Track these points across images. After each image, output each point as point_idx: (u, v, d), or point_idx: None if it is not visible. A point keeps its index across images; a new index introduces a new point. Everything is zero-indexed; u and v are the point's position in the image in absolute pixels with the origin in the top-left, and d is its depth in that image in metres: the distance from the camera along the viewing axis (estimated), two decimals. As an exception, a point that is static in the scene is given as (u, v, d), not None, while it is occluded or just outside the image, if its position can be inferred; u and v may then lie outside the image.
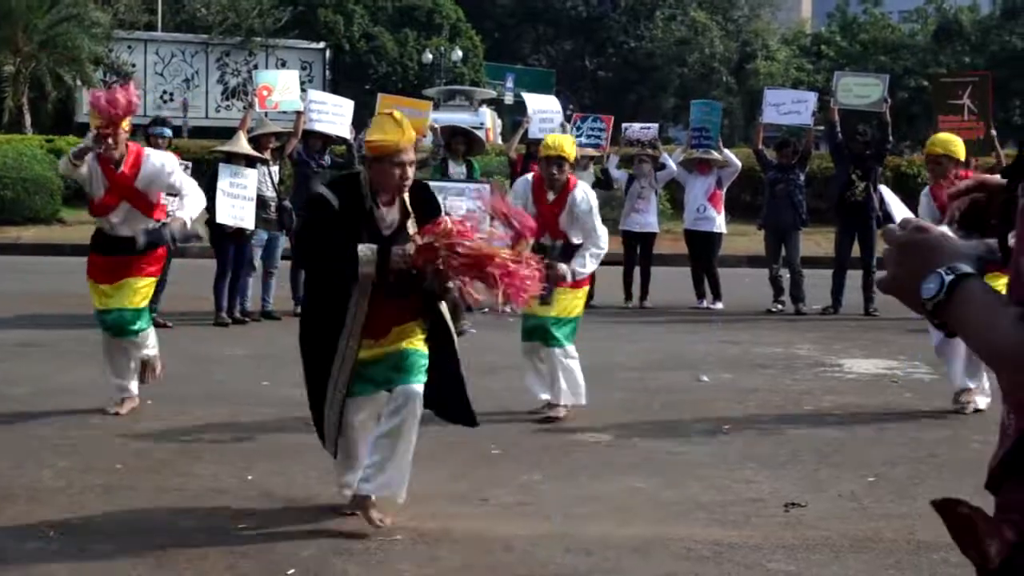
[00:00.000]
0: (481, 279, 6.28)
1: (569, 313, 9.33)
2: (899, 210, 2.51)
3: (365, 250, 6.20)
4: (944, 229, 2.16)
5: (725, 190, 17.20)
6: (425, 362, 6.54)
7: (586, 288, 9.77)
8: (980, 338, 1.93)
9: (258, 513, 6.70)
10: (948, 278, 2.00)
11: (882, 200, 7.40)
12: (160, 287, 13.96)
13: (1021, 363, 1.82)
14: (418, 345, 6.55)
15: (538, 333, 9.28)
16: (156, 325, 13.62)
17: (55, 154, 27.03)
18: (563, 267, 8.86)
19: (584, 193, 9.25)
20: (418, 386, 6.46)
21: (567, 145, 9.43)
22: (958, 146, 10.14)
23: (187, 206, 9.23)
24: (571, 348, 9.35)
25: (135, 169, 8.94)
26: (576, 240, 9.21)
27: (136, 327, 9.22)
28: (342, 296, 6.39)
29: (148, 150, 9.25)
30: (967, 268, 2.00)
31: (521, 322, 9.47)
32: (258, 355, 12.18)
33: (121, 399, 9.27)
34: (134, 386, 9.37)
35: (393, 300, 6.39)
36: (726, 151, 17.21)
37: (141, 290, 9.25)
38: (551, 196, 9.25)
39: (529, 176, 9.64)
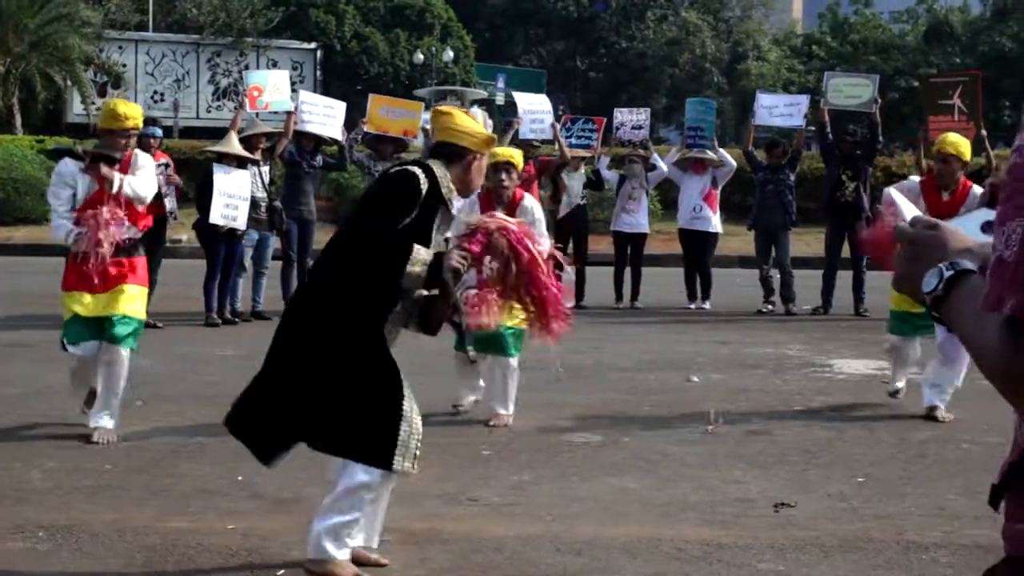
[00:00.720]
0: (521, 293, 5.90)
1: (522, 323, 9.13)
2: (908, 209, 2.51)
3: (422, 251, 5.50)
4: (954, 224, 2.17)
5: (720, 190, 17.22)
6: None
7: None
8: (969, 338, 1.93)
9: (248, 513, 6.69)
10: (947, 274, 2.00)
11: (888, 200, 7.40)
12: (150, 288, 13.97)
13: (1000, 370, 1.82)
14: None
15: (493, 343, 8.94)
16: (146, 325, 13.67)
17: (45, 154, 27.02)
18: None
19: (533, 203, 9.07)
20: None
21: (516, 154, 9.26)
22: (967, 148, 10.14)
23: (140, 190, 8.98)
24: (516, 360, 9.23)
25: (125, 172, 8.87)
26: None
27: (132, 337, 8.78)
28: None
29: (136, 152, 9.15)
30: (969, 265, 2.00)
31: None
32: (248, 355, 12.12)
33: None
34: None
35: None
36: (721, 151, 17.21)
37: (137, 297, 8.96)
38: (499, 210, 8.58)
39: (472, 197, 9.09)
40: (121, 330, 8.60)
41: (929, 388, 9.51)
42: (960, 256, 2.03)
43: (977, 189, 10.08)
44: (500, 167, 8.82)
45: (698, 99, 21.23)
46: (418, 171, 5.60)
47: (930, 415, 9.41)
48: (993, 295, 1.77)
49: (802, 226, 18.31)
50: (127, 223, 8.69)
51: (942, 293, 2.01)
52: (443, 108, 6.27)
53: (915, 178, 10.89)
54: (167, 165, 14.12)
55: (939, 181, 10.03)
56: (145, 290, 9.12)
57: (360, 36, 49.26)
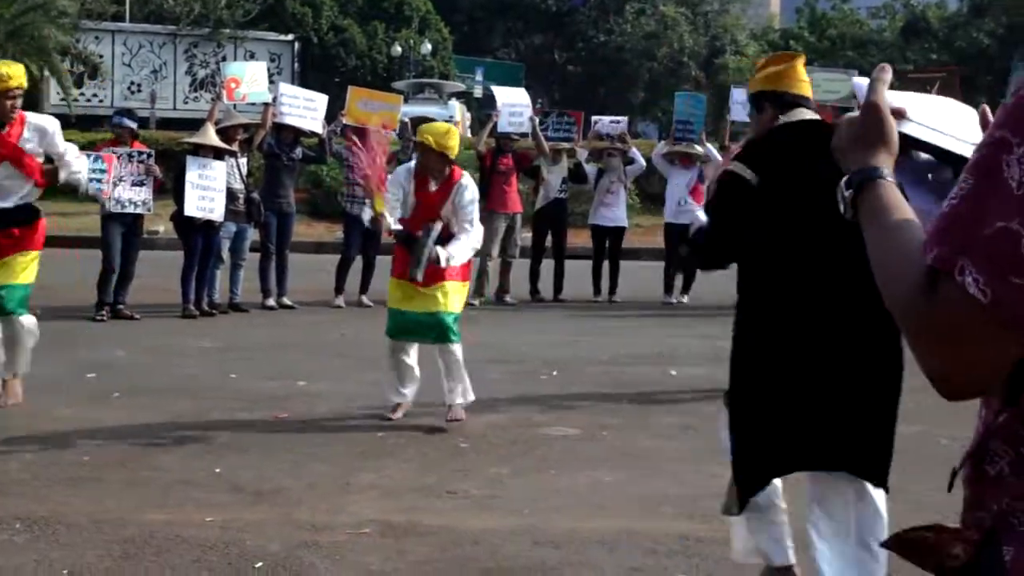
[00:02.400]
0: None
1: (459, 308, 8.97)
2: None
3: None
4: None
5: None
6: None
7: (468, 283, 9.39)
8: (875, 261, 1.93)
9: (226, 506, 6.68)
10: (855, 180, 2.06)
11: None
12: (126, 279, 13.94)
13: (909, 319, 1.80)
14: None
15: (436, 330, 8.78)
16: (123, 317, 13.67)
17: None
18: (439, 248, 8.47)
19: (470, 182, 8.94)
20: None
21: (451, 137, 8.92)
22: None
23: (74, 164, 9.14)
24: (460, 346, 8.94)
25: (20, 128, 8.82)
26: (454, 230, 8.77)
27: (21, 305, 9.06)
28: None
29: (29, 114, 9.13)
30: (886, 174, 2.03)
31: (398, 318, 8.90)
32: (226, 347, 12.14)
33: None
34: None
35: None
36: (708, 146, 17.20)
37: (30, 264, 9.07)
38: (433, 186, 8.85)
39: (411, 164, 9.17)
40: (9, 301, 8.92)
41: None
42: (885, 163, 2.05)
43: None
44: (433, 152, 8.80)
45: (687, 93, 21.22)
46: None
47: None
48: (928, 242, 1.77)
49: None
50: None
51: (854, 189, 2.04)
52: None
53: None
54: (149, 155, 14.05)
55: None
56: (37, 254, 9.15)
57: (337, 28, 49.13)
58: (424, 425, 8.71)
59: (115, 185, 13.48)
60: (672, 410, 9.56)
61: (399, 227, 8.81)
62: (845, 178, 2.07)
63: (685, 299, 16.85)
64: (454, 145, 8.83)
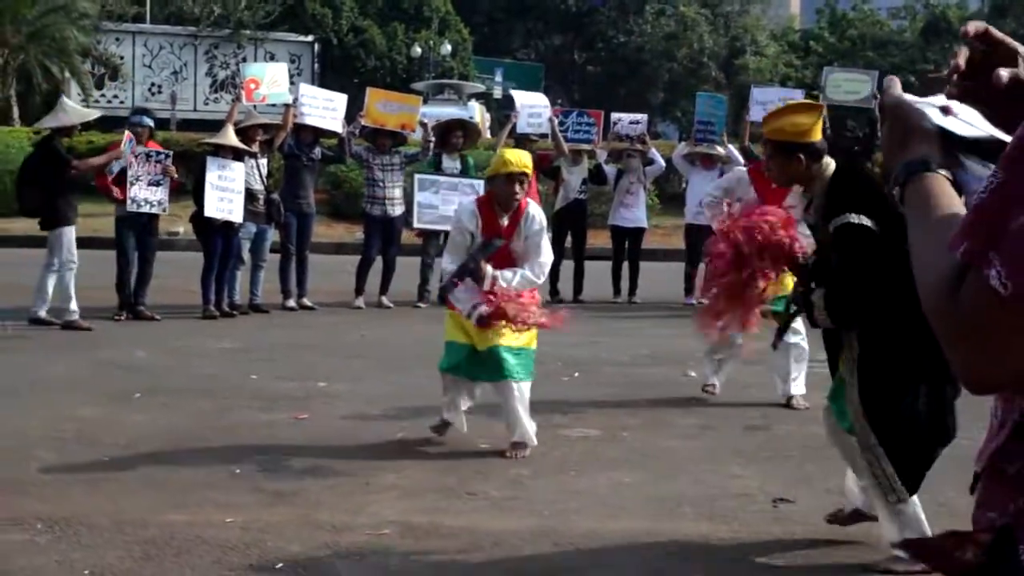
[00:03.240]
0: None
1: (523, 342, 8.11)
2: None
3: None
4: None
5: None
6: None
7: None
8: (914, 252, 1.91)
9: (246, 507, 6.69)
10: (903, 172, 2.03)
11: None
12: (145, 280, 13.98)
13: (936, 311, 1.80)
14: None
15: (492, 365, 8.02)
16: (144, 318, 13.71)
17: (43, 146, 26.96)
18: (489, 268, 7.86)
19: (537, 210, 8.25)
20: None
21: (529, 160, 8.33)
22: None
23: None
24: (526, 385, 8.15)
25: None
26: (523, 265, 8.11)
27: None
28: None
29: None
30: (937, 168, 2.00)
31: (454, 354, 8.20)
32: (246, 348, 12.16)
33: None
34: None
35: None
36: (730, 147, 17.14)
37: None
38: (504, 220, 8.13)
39: (469, 202, 8.59)
40: None
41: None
42: (925, 152, 2.03)
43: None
44: (514, 178, 8.00)
45: (708, 94, 21.13)
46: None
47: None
48: (957, 235, 1.76)
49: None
50: None
51: (900, 185, 2.02)
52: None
53: (742, 168, 10.65)
54: (167, 155, 14.08)
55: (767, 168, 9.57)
56: None
57: (357, 29, 49.18)
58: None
59: (132, 184, 13.53)
60: (691, 411, 9.54)
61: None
62: (892, 176, 2.05)
63: (706, 300, 16.79)
64: (531, 164, 8.34)
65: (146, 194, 13.71)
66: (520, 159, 8.08)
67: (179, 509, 6.61)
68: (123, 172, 13.63)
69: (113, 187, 13.73)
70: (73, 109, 14.74)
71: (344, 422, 8.88)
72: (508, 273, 7.90)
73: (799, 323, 8.07)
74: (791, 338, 8.99)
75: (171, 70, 45.08)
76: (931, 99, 2.12)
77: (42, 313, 13.22)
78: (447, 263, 8.06)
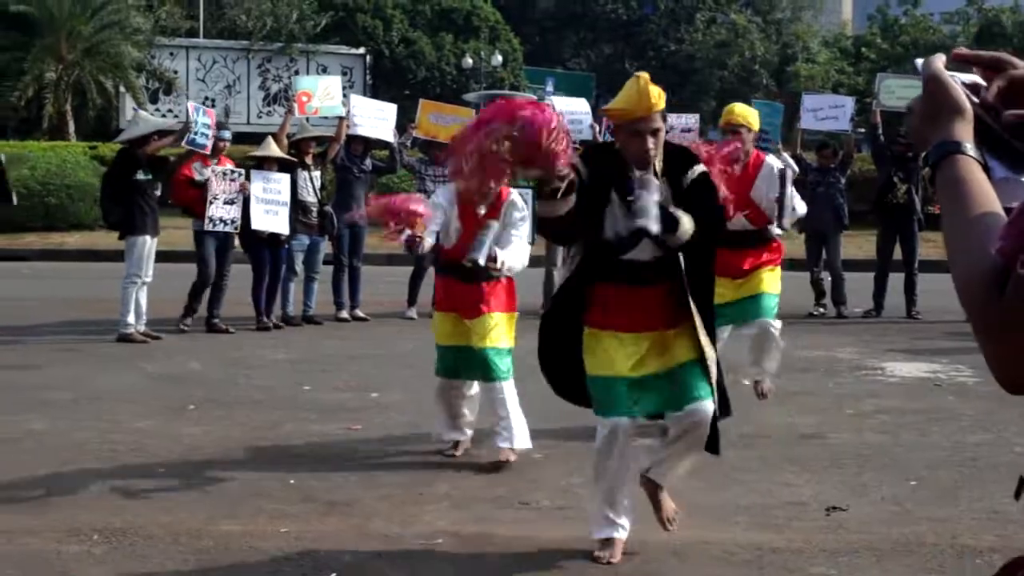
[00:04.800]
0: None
1: (507, 343, 8.12)
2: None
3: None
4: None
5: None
6: None
7: (515, 315, 8.31)
8: (949, 245, 1.88)
9: (300, 517, 6.72)
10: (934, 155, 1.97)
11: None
12: (220, 293, 14.06)
13: (974, 311, 1.77)
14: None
15: (482, 367, 8.00)
16: (217, 330, 13.79)
17: (98, 160, 27.22)
18: (497, 249, 7.43)
19: (518, 200, 8.02)
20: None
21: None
22: (755, 117, 9.62)
23: None
24: (511, 384, 8.08)
25: None
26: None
27: None
28: None
29: None
30: (969, 149, 1.94)
31: (447, 358, 8.15)
32: (299, 359, 12.22)
33: None
34: None
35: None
36: (785, 155, 17.05)
37: None
38: (481, 210, 7.86)
39: (452, 186, 7.94)
40: None
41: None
42: (961, 133, 1.97)
43: (772, 159, 9.73)
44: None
45: (764, 102, 21.02)
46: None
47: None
48: (999, 234, 1.75)
49: (853, 228, 18.16)
50: None
51: (932, 166, 1.97)
52: None
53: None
54: (240, 174, 14.05)
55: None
56: None
57: (407, 40, 49.33)
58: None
59: (210, 204, 13.61)
60: (743, 419, 9.50)
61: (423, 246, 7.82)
62: (923, 155, 2.00)
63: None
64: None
65: (221, 213, 13.76)
66: (742, 112, 8.24)
67: (233, 519, 6.65)
68: (202, 187, 13.67)
69: (193, 197, 13.74)
70: (145, 120, 14.86)
71: (397, 433, 8.90)
72: (506, 253, 7.51)
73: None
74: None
75: (224, 84, 45.42)
76: (962, 76, 2.08)
77: (124, 330, 13.27)
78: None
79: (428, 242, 7.80)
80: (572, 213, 5.51)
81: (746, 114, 9.42)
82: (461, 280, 7.92)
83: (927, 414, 9.79)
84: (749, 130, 9.31)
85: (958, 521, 6.67)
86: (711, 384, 6.10)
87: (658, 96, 5.83)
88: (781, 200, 9.34)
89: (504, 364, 7.97)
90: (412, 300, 15.56)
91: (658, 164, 5.87)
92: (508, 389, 7.99)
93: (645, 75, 5.97)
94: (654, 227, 5.62)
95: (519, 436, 7.98)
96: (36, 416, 9.26)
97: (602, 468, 6.08)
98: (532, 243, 15.81)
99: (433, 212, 7.84)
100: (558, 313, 6.23)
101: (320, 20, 46.35)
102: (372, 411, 9.66)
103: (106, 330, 13.45)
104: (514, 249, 7.68)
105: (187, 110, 14.18)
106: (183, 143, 13.67)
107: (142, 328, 13.29)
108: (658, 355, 5.99)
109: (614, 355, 5.91)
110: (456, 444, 8.29)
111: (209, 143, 13.76)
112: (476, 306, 7.93)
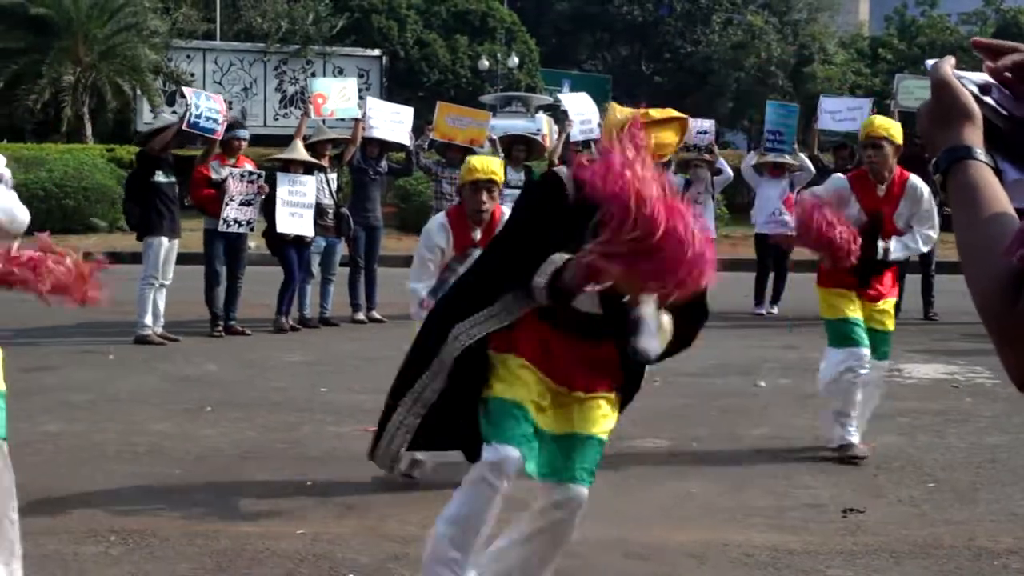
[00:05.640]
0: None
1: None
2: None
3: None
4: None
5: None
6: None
7: None
8: (963, 251, 1.87)
9: (316, 519, 6.73)
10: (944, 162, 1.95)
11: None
12: (234, 295, 14.07)
13: (992, 321, 1.76)
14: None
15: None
16: (235, 332, 13.81)
17: (116, 163, 27.30)
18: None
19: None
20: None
21: (497, 166, 7.32)
22: (898, 131, 8.66)
23: None
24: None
25: None
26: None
27: None
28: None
29: None
30: (979, 154, 1.92)
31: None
32: (316, 361, 12.23)
33: None
34: None
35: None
36: (801, 156, 17.04)
37: None
38: (477, 233, 7.29)
39: (440, 216, 7.53)
40: None
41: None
42: (970, 138, 1.95)
43: (916, 179, 8.53)
44: (481, 185, 7.14)
45: (779, 103, 21.00)
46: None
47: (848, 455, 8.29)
48: (1013, 242, 1.74)
49: (870, 230, 18.10)
50: None
51: (943, 172, 1.95)
52: None
53: (841, 175, 9.21)
54: (259, 175, 14.04)
55: (872, 173, 8.52)
56: None
57: (422, 42, 49.34)
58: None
59: (226, 205, 13.60)
60: (761, 422, 9.50)
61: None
62: (933, 161, 1.99)
63: (775, 310, 16.73)
64: (502, 174, 7.36)
65: (237, 214, 13.74)
66: (487, 165, 7.23)
67: (250, 521, 6.66)
68: (218, 186, 13.65)
69: (208, 196, 13.73)
70: (164, 120, 14.89)
71: (413, 434, 8.89)
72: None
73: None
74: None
75: (241, 86, 45.51)
76: (972, 75, 2.06)
77: (141, 331, 13.30)
78: (414, 283, 7.39)
79: (429, 302, 6.91)
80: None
81: (888, 126, 8.59)
82: None
83: (944, 415, 9.77)
84: (891, 142, 8.44)
85: (976, 523, 6.66)
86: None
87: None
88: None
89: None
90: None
91: None
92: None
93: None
94: (655, 348, 4.76)
95: None
96: (53, 418, 9.29)
97: (463, 515, 5.06)
98: None
99: (430, 255, 7.32)
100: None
101: (336, 22, 46.40)
102: (389, 413, 9.64)
103: (124, 332, 13.48)
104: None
105: (185, 94, 14.13)
106: (185, 126, 13.54)
107: (160, 330, 13.33)
108: (563, 415, 5.13)
109: (528, 384, 5.00)
110: (414, 465, 7.48)
111: (220, 128, 13.64)
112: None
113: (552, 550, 5.22)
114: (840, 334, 8.31)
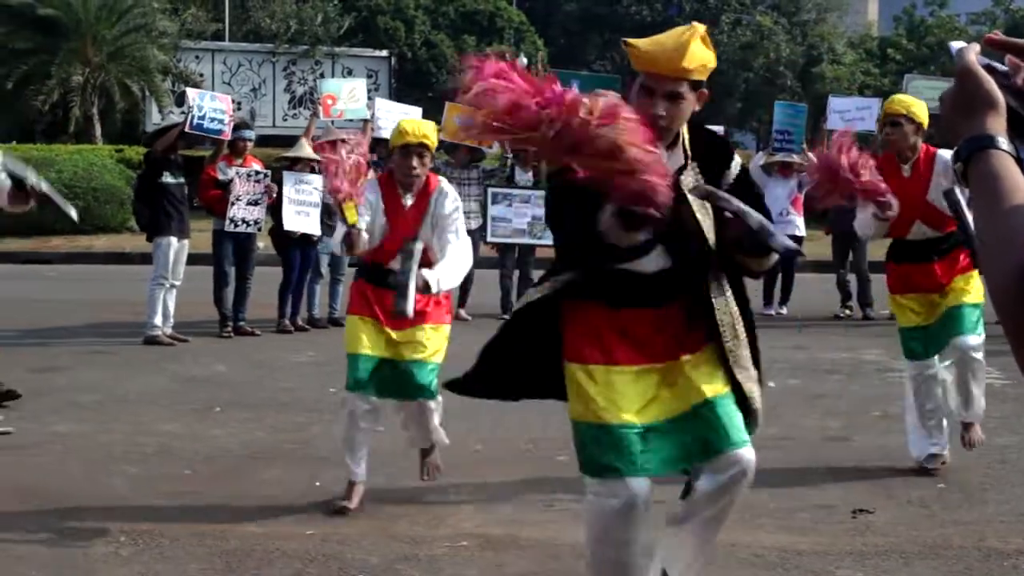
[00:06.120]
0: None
1: (441, 358, 7.14)
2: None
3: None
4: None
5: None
6: None
7: (448, 327, 7.29)
8: (981, 245, 1.85)
9: (325, 519, 6.73)
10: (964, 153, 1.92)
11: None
12: (243, 295, 14.07)
13: (1008, 316, 1.74)
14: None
15: (411, 385, 6.98)
16: (244, 333, 13.82)
17: (125, 164, 27.32)
18: (427, 273, 6.39)
19: (450, 190, 7.22)
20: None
21: (430, 130, 7.18)
22: (921, 108, 8.04)
23: None
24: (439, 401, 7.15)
25: None
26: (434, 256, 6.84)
27: None
28: None
29: None
30: (1002, 143, 1.89)
31: (359, 369, 6.90)
32: (325, 361, 12.22)
33: None
34: None
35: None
36: (811, 155, 16.99)
37: None
38: (408, 200, 7.09)
39: (372, 175, 7.39)
40: None
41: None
42: (993, 127, 1.92)
43: (944, 153, 7.80)
44: (411, 150, 7.00)
45: (787, 103, 20.96)
46: None
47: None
48: None
49: (880, 230, 18.09)
50: None
51: (964, 161, 1.92)
52: None
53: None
54: (267, 175, 14.03)
55: (894, 152, 8.05)
56: None
57: (429, 43, 49.29)
58: (522, 437, 8.71)
59: (232, 204, 13.60)
60: (770, 422, 9.46)
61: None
62: (954, 150, 1.96)
63: (784, 310, 16.72)
64: (435, 139, 7.24)
65: (244, 214, 13.74)
66: (418, 129, 7.09)
67: (259, 521, 6.67)
68: (225, 187, 13.65)
69: (215, 197, 13.74)
70: (171, 121, 14.92)
71: (422, 434, 8.90)
72: (441, 269, 6.62)
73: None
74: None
75: (250, 87, 45.47)
76: (995, 64, 2.04)
77: (151, 332, 13.30)
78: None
79: (365, 238, 6.85)
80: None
81: (909, 103, 8.06)
82: (387, 288, 6.71)
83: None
84: (911, 120, 7.90)
85: (986, 524, 6.65)
86: (754, 422, 5.15)
87: (696, 61, 4.68)
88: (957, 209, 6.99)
89: (437, 382, 6.87)
90: (462, 302, 15.34)
91: (686, 143, 4.84)
92: (438, 409, 7.14)
93: (702, 29, 4.79)
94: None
95: (440, 439, 7.29)
96: (62, 418, 9.30)
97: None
98: (487, 242, 15.57)
99: (366, 207, 6.98)
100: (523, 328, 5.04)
101: (344, 22, 46.39)
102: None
103: (133, 332, 13.49)
104: (449, 263, 6.75)
105: (188, 96, 14.14)
106: (188, 128, 13.55)
107: (169, 331, 13.34)
108: (680, 389, 4.79)
109: (615, 395, 4.62)
110: (351, 489, 7.02)
111: (227, 128, 13.66)
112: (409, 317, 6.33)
113: (719, 521, 5.21)
114: (903, 346, 8.16)
